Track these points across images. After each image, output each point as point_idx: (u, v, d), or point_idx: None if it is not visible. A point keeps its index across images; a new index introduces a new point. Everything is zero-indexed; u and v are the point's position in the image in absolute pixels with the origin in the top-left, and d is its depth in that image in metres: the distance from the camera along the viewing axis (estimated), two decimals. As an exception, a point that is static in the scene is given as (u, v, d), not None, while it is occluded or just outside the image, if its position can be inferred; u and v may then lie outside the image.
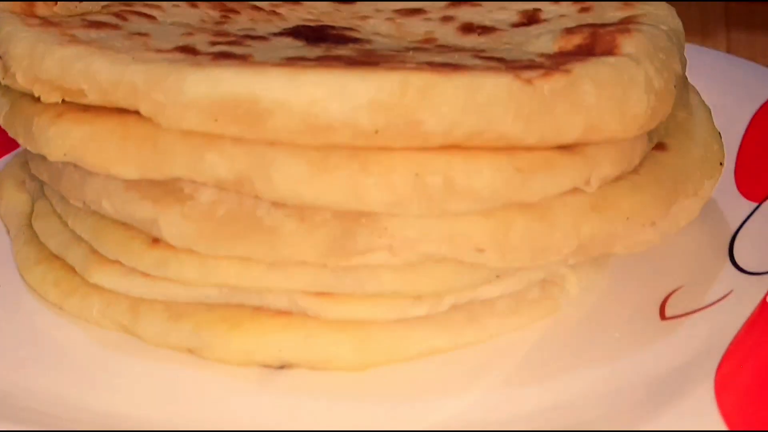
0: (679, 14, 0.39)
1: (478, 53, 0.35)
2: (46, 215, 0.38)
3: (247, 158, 0.32)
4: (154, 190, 0.33)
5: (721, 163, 0.38)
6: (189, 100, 0.31)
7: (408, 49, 0.36)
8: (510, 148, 0.32)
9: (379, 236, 0.32)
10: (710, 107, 0.41)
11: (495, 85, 0.31)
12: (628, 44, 0.35)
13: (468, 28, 0.39)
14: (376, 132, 0.31)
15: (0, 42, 0.35)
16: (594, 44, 0.35)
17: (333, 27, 0.39)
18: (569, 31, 0.36)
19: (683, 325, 0.35)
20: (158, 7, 0.39)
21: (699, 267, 0.38)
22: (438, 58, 0.33)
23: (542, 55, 0.35)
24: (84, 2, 0.39)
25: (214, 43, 0.35)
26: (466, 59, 0.34)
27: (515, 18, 0.39)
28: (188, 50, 0.34)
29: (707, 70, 0.48)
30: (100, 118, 0.33)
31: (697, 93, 0.41)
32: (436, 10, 0.41)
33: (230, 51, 0.33)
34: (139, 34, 0.35)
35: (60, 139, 0.33)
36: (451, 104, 0.31)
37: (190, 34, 0.36)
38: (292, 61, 0.32)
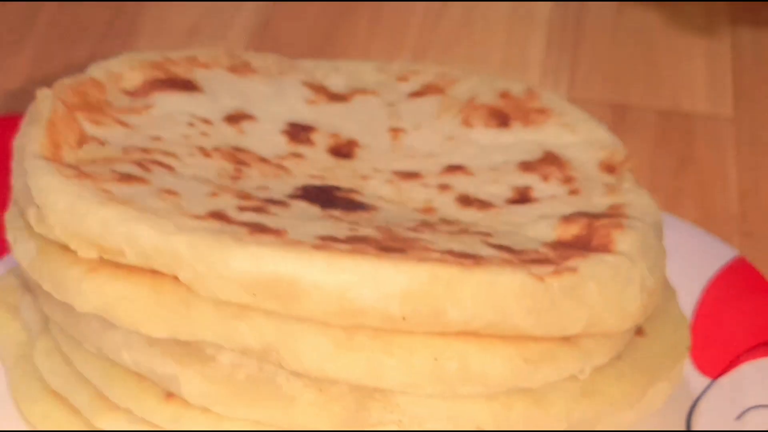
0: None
1: (486, 237, 0.38)
2: (50, 352, 0.39)
3: (277, 331, 0.34)
4: (177, 348, 0.35)
5: (687, 347, 0.42)
6: (232, 275, 0.33)
7: (421, 226, 0.38)
8: (518, 338, 0.35)
9: (390, 411, 0.34)
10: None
11: (512, 281, 0.34)
12: (622, 241, 0.38)
13: (466, 201, 0.41)
14: (403, 318, 0.33)
15: (37, 192, 0.36)
16: (590, 237, 0.38)
17: (338, 188, 0.41)
18: (566, 219, 0.39)
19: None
20: (174, 155, 0.40)
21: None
22: (456, 245, 0.36)
23: (545, 244, 0.38)
24: (106, 146, 0.40)
25: (241, 209, 0.37)
26: (479, 246, 0.36)
27: (508, 193, 0.42)
28: (221, 217, 0.36)
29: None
30: (134, 276, 0.35)
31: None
32: (432, 176, 0.43)
33: (262, 223, 0.35)
34: (168, 192, 0.37)
35: (93, 295, 0.34)
36: (472, 298, 0.34)
37: (215, 194, 0.38)
38: (327, 243, 0.34)
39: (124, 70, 0.45)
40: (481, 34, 0.66)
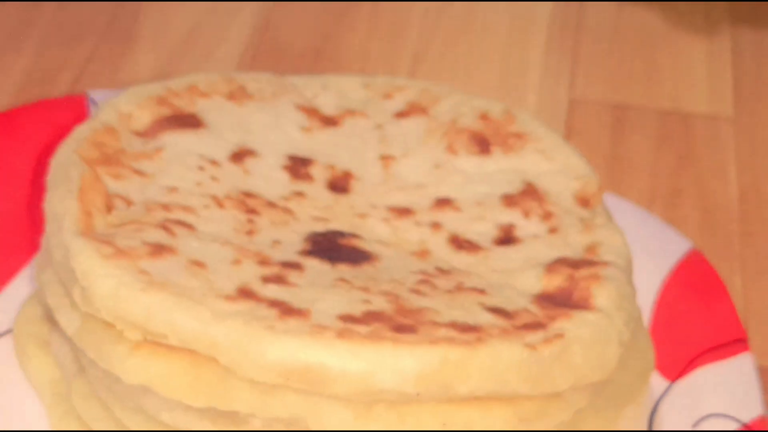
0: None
1: (481, 297, 0.42)
2: (87, 396, 0.43)
3: (305, 405, 0.38)
4: (213, 412, 0.39)
5: (652, 368, 0.47)
6: (267, 363, 0.37)
7: (422, 284, 0.42)
8: (514, 399, 0.40)
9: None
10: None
11: (510, 356, 0.39)
12: (599, 295, 0.43)
13: (457, 243, 0.46)
14: (417, 395, 0.38)
15: (81, 275, 0.39)
16: (572, 290, 0.43)
17: (341, 234, 0.45)
18: (550, 269, 0.44)
19: None
20: (192, 210, 0.44)
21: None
22: (458, 313, 0.40)
23: (533, 299, 0.42)
24: (130, 208, 0.43)
25: (265, 281, 0.41)
26: (478, 312, 0.41)
27: (494, 232, 0.46)
28: (249, 294, 0.40)
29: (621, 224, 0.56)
30: (175, 354, 0.39)
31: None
32: (424, 211, 0.47)
33: (286, 302, 0.40)
34: (197, 264, 0.41)
35: (138, 370, 0.39)
36: (478, 374, 0.38)
37: (238, 261, 0.42)
38: (348, 328, 0.39)
39: (132, 110, 0.48)
40: (481, 34, 0.67)
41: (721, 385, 0.49)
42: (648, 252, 0.56)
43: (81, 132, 0.46)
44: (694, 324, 0.52)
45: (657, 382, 0.50)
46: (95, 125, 0.47)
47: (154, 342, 0.39)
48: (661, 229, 0.57)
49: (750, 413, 0.47)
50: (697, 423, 0.48)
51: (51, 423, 0.44)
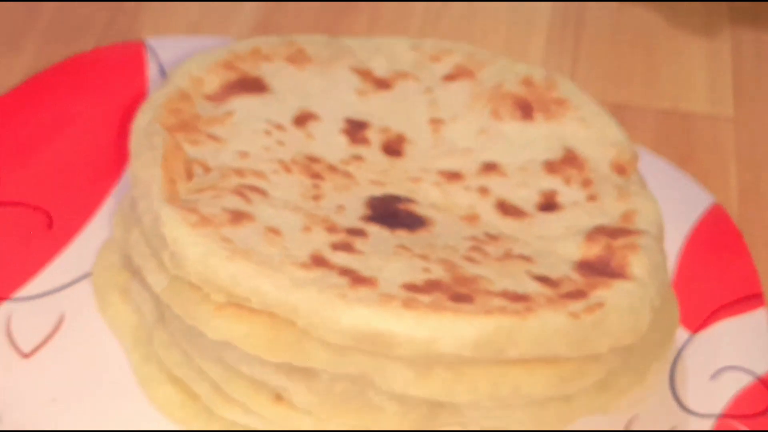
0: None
1: (528, 264, 0.46)
2: (168, 345, 0.47)
3: (372, 364, 0.43)
4: (287, 366, 0.44)
5: (677, 323, 0.51)
6: (341, 329, 0.42)
7: (473, 251, 0.47)
8: (556, 360, 0.44)
9: (455, 416, 0.44)
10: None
11: (555, 324, 0.43)
12: (636, 264, 0.47)
13: (503, 208, 0.50)
14: (473, 358, 0.43)
15: (171, 242, 0.43)
16: (610, 258, 0.47)
17: (399, 198, 0.49)
18: (589, 238, 0.48)
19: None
20: (263, 176, 0.48)
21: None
22: (509, 282, 0.45)
23: (574, 267, 0.47)
24: (208, 174, 0.47)
25: (334, 248, 0.45)
26: (526, 281, 0.45)
27: (537, 198, 0.51)
28: (322, 262, 0.44)
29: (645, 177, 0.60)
30: (257, 316, 0.43)
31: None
32: (472, 176, 0.51)
33: (355, 270, 0.44)
34: (273, 231, 0.45)
35: (222, 329, 0.43)
36: (527, 341, 0.43)
37: (308, 228, 0.46)
38: (412, 297, 0.43)
39: (202, 74, 0.52)
40: (481, 34, 0.68)
41: (738, 339, 0.53)
42: (673, 205, 0.59)
43: (158, 98, 0.50)
44: (714, 278, 0.56)
45: (679, 333, 0.55)
46: (170, 91, 0.50)
47: (237, 304, 0.43)
48: (686, 183, 0.61)
49: (764, 366, 0.52)
50: (714, 374, 0.52)
51: (132, 366, 0.48)
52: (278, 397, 0.45)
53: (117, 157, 0.57)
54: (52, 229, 0.54)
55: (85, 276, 0.52)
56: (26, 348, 0.49)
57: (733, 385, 0.51)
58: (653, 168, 0.62)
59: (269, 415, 0.45)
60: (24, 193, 0.55)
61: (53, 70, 0.60)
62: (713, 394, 0.51)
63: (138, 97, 0.60)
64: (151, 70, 0.61)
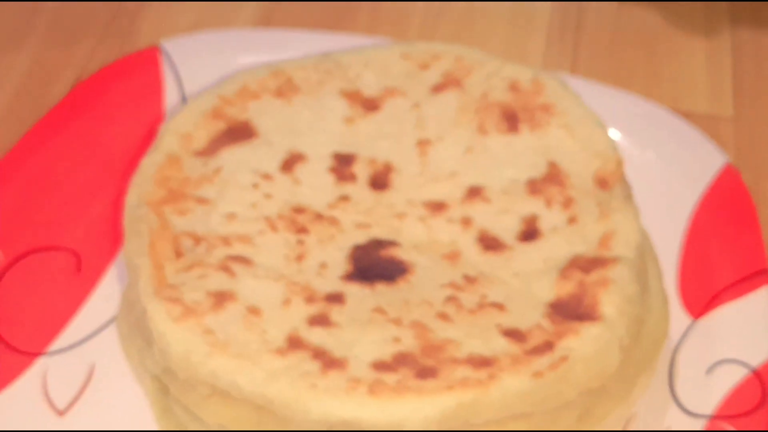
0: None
1: (500, 313, 0.49)
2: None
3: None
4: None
5: (665, 334, 0.53)
6: (312, 418, 0.45)
7: (449, 301, 0.49)
8: (522, 415, 0.47)
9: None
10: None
11: (517, 388, 0.46)
12: (606, 302, 0.49)
13: (485, 242, 0.52)
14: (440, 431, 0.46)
15: (157, 336, 0.47)
16: (582, 296, 0.49)
17: (381, 243, 0.51)
18: (563, 275, 0.50)
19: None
20: (249, 241, 0.51)
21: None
22: (476, 343, 0.47)
23: (546, 310, 0.49)
24: (195, 250, 0.51)
25: (311, 323, 0.48)
26: (494, 337, 0.48)
27: (518, 227, 0.52)
28: (297, 344, 0.47)
29: (657, 135, 0.60)
30: (241, 402, 0.47)
31: (660, 275, 0.54)
32: (456, 205, 0.53)
33: (328, 351, 0.47)
34: (253, 311, 0.48)
35: (213, 415, 0.47)
36: (489, 410, 0.46)
37: (287, 301, 0.49)
38: (379, 379, 0.46)
39: (190, 129, 0.54)
40: (481, 34, 0.67)
41: (738, 327, 0.54)
42: (685, 165, 0.59)
43: (148, 168, 0.53)
44: (720, 254, 0.57)
45: (681, 319, 0.56)
46: (159, 159, 0.53)
47: (222, 393, 0.47)
48: (700, 140, 0.60)
49: (762, 356, 0.53)
50: (709, 369, 0.54)
51: (154, 415, 0.53)
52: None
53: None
54: (81, 271, 0.57)
55: (112, 321, 0.56)
56: (61, 404, 0.54)
57: (728, 381, 0.53)
58: (665, 124, 0.62)
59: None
60: (53, 236, 0.58)
61: (72, 96, 0.62)
62: (708, 391, 0.53)
63: (156, 118, 0.62)
64: (168, 83, 0.63)
